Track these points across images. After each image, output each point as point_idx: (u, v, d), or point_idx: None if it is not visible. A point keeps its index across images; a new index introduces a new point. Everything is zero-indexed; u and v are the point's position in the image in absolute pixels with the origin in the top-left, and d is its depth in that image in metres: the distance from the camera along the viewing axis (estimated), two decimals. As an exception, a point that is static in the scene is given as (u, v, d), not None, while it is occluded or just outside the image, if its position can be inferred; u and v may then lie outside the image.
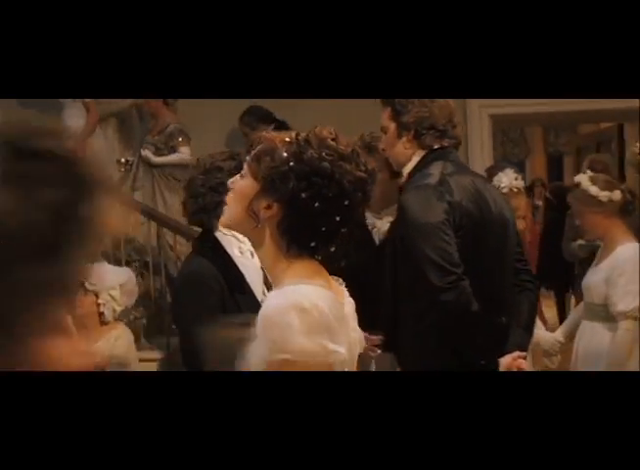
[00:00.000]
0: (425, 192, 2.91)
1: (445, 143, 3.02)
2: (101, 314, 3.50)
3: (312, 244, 1.78)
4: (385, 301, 3.04)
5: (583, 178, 4.08)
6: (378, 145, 3.28)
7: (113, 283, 3.53)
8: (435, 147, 3.01)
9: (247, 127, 6.42)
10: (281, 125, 6.13)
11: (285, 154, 1.77)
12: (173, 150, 6.50)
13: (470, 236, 2.91)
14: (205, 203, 3.01)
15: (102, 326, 3.49)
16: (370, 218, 3.49)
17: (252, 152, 1.86)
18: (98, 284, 3.44)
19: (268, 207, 1.80)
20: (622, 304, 3.78)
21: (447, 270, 2.81)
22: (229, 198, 1.92)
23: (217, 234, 3.01)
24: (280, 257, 1.80)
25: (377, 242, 3.51)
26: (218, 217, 2.85)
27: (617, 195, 3.99)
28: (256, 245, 1.88)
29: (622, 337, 3.79)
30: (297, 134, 1.82)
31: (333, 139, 1.79)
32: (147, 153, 6.46)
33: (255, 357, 1.67)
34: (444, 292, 2.77)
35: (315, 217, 1.76)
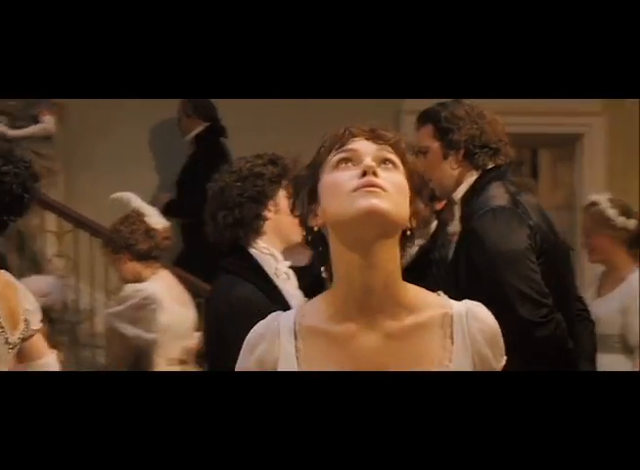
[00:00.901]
0: (503, 215, 2.65)
1: (500, 161, 2.81)
2: None
3: None
4: None
5: (603, 199, 4.06)
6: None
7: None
8: (490, 167, 2.80)
9: (182, 112, 6.27)
10: (216, 124, 6.19)
11: None
12: (35, 120, 5.60)
13: (550, 262, 2.70)
14: (242, 215, 2.69)
15: None
16: None
17: None
18: None
19: None
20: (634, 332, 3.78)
21: (539, 302, 2.57)
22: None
23: (254, 252, 2.72)
24: None
25: None
26: (256, 232, 2.74)
27: (632, 223, 3.99)
28: None
29: None
30: None
31: None
32: None
33: None
34: (538, 327, 2.53)
35: None
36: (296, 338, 1.58)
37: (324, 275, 1.63)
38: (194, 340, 4.06)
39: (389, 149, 1.58)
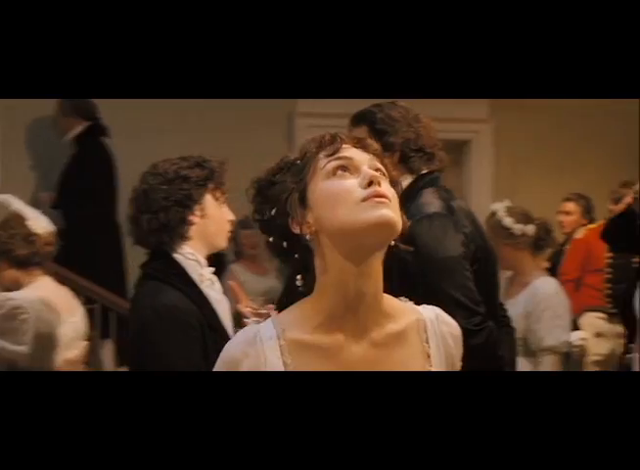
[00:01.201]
0: (438, 222, 2.59)
1: (434, 166, 2.76)
2: None
3: None
4: None
5: (499, 208, 4.11)
6: None
7: None
8: (424, 171, 2.73)
9: (60, 112, 6.03)
10: (97, 123, 5.97)
11: None
12: None
13: (481, 269, 2.67)
14: (168, 219, 2.58)
15: None
16: None
17: None
18: None
19: None
20: (551, 338, 3.86)
21: (473, 310, 2.53)
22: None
23: (178, 257, 2.62)
24: None
25: None
26: (181, 237, 2.63)
27: (530, 229, 4.06)
28: None
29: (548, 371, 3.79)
30: None
31: None
32: None
33: None
34: (473, 335, 2.44)
35: None
36: (282, 353, 1.51)
37: (298, 283, 1.56)
38: (77, 350, 3.79)
39: (376, 158, 1.58)
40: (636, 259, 5.62)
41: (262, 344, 1.51)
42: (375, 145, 1.60)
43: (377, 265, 1.53)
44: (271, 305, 2.90)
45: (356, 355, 1.54)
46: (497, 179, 6.75)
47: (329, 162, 1.53)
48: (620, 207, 4.81)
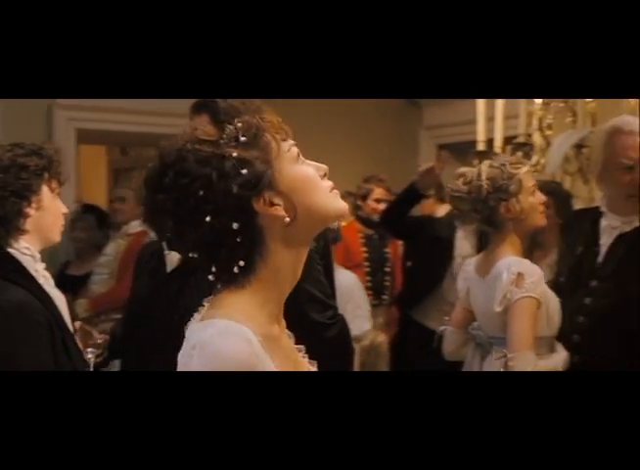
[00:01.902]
0: None
1: None
2: None
3: None
4: None
5: None
6: None
7: None
8: None
9: None
10: None
11: None
12: None
13: (328, 263, 2.75)
14: (5, 211, 2.41)
15: None
16: None
17: None
18: None
19: None
20: (354, 328, 4.00)
21: (326, 304, 2.58)
22: None
23: (14, 252, 2.46)
24: None
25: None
26: (18, 230, 2.50)
27: None
28: None
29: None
30: None
31: None
32: None
33: None
34: (328, 328, 2.53)
35: None
36: (264, 350, 1.40)
37: (236, 270, 1.44)
38: None
39: None
40: (388, 250, 5.98)
41: (253, 343, 1.38)
42: None
43: None
44: (104, 335, 2.80)
45: (288, 344, 1.54)
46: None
47: (292, 146, 1.48)
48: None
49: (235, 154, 1.42)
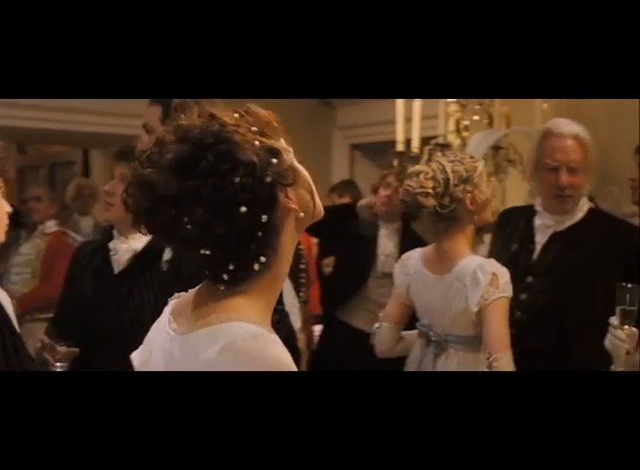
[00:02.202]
0: None
1: None
2: None
3: None
4: None
5: None
6: None
7: None
8: None
9: None
10: None
11: None
12: None
13: None
14: None
15: None
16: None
17: None
18: None
19: None
20: None
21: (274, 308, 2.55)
22: None
23: None
24: None
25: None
26: None
27: None
28: None
29: None
30: None
31: None
32: None
33: None
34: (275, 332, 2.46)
35: None
36: None
37: (257, 268, 1.38)
38: None
39: None
40: (302, 247, 6.01)
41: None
42: None
43: None
44: (63, 347, 2.72)
45: None
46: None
47: (287, 144, 1.44)
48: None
49: (265, 142, 1.36)
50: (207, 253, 1.35)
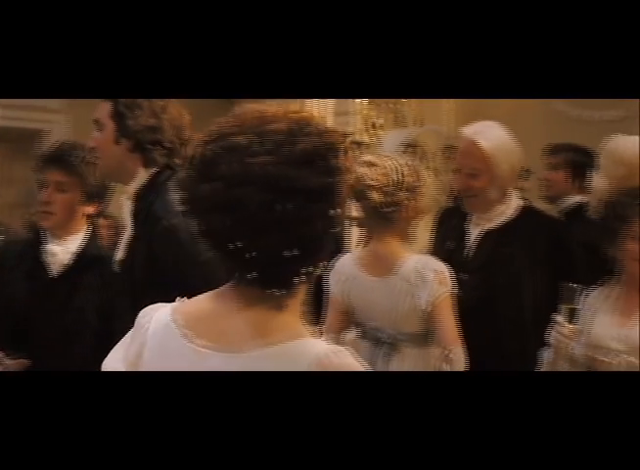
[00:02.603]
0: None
1: (173, 163, 2.49)
2: None
3: None
4: None
5: None
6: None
7: None
8: (163, 166, 2.47)
9: None
10: None
11: None
12: None
13: None
14: None
15: None
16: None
17: None
18: None
19: None
20: None
21: None
22: None
23: None
24: None
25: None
26: None
27: None
28: None
29: None
30: None
31: None
32: None
33: None
34: None
35: None
36: None
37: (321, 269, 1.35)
38: None
39: None
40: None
41: None
42: None
43: None
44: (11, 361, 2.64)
45: None
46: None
47: None
48: None
49: None
50: (290, 254, 1.27)
